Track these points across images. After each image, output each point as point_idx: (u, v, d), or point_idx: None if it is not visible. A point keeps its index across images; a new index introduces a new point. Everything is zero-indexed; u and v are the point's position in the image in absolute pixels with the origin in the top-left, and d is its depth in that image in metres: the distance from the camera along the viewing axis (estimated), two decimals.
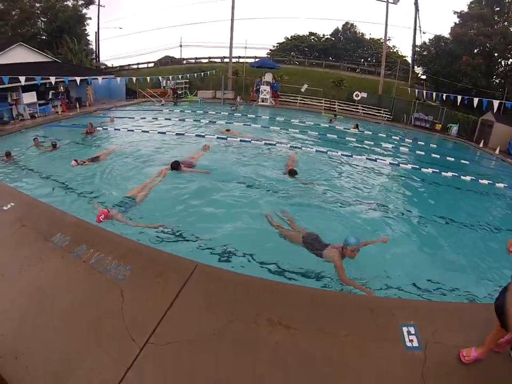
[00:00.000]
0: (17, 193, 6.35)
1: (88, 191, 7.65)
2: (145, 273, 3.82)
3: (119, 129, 14.41)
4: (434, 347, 2.92)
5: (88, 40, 33.09)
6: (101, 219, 5.60)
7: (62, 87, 19.08)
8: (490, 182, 10.94)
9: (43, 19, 29.03)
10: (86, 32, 32.35)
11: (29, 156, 10.58)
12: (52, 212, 5.42)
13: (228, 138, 13.00)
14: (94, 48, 34.34)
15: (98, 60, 34.46)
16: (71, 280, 3.72)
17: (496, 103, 16.14)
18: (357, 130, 18.28)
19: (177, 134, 13.73)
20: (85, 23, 31.45)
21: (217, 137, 13.12)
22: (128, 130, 14.25)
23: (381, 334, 3.14)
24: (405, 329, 3.13)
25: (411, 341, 3.03)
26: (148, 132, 13.95)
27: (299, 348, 2.94)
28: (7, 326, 3.08)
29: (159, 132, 13.92)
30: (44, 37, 29.11)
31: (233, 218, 6.57)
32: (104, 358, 2.75)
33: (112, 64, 38.17)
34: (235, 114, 20.71)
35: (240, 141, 12.77)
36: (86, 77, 18.22)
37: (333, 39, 44.29)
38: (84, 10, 30.80)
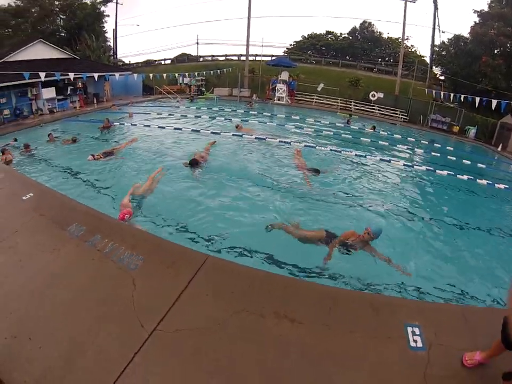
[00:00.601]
0: (36, 184, 6.56)
1: (103, 184, 7.85)
2: (157, 263, 3.93)
3: (135, 124, 14.65)
4: (438, 348, 2.92)
5: (106, 37, 33.73)
6: (126, 218, 5.69)
7: (80, 83, 19.51)
8: (507, 186, 10.72)
9: (62, 16, 29.64)
10: (104, 29, 32.97)
11: (48, 149, 10.86)
12: (68, 203, 5.60)
13: (243, 136, 13.09)
14: (111, 45, 34.94)
15: (116, 57, 34.99)
16: (85, 267, 3.85)
17: None
18: (373, 131, 18.19)
19: (192, 130, 13.87)
20: (103, 20, 32.03)
21: (233, 134, 13.21)
22: (145, 125, 14.46)
23: (384, 332, 3.15)
24: (409, 329, 3.13)
25: (415, 341, 3.03)
26: (164, 127, 14.16)
27: (302, 341, 3.00)
28: (22, 308, 3.22)
29: (175, 128, 14.09)
30: (63, 34, 29.73)
31: (241, 215, 6.65)
32: (113, 341, 2.86)
33: (130, 61, 38.79)
34: (251, 112, 20.76)
35: (255, 138, 12.85)
36: (104, 73, 18.55)
37: (350, 38, 43.86)
38: (102, 8, 31.40)
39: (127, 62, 37.87)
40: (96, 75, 16.40)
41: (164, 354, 2.77)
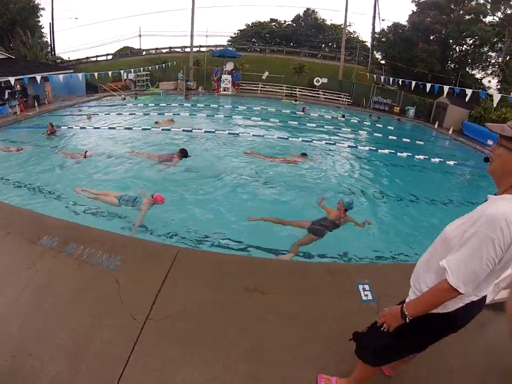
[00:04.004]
0: None
1: (63, 192, 7.72)
2: (135, 261, 4.24)
3: (85, 127, 14.20)
4: (385, 299, 3.60)
5: (42, 32, 31.54)
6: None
7: (18, 86, 18.33)
8: (442, 159, 12.08)
9: None
10: (40, 24, 30.85)
11: None
12: (34, 216, 5.48)
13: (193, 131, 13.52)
14: (49, 41, 32.82)
15: (54, 54, 32.99)
16: (67, 274, 3.99)
17: (446, 88, 17.32)
18: (343, 119, 19.63)
19: (143, 129, 13.88)
20: (39, 14, 29.90)
21: (182, 130, 13.59)
22: (94, 128, 14.11)
23: (341, 291, 3.85)
24: (360, 286, 3.85)
25: (366, 295, 3.74)
26: (114, 128, 14.01)
27: (275, 307, 3.56)
28: (14, 326, 3.23)
29: (125, 128, 14.08)
30: None
31: (204, 205, 7.22)
32: (110, 337, 3.11)
33: (69, 58, 36.65)
34: (198, 104, 21.01)
35: (205, 131, 13.39)
36: (47, 73, 17.58)
37: (294, 25, 44.66)
38: (37, 1, 29.27)
39: (66, 58, 35.85)
40: (38, 76, 15.53)
41: (159, 339, 3.12)
